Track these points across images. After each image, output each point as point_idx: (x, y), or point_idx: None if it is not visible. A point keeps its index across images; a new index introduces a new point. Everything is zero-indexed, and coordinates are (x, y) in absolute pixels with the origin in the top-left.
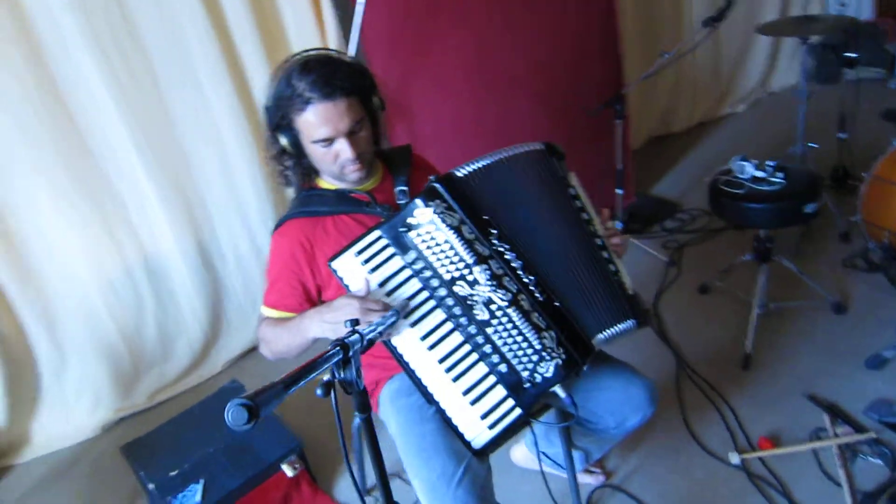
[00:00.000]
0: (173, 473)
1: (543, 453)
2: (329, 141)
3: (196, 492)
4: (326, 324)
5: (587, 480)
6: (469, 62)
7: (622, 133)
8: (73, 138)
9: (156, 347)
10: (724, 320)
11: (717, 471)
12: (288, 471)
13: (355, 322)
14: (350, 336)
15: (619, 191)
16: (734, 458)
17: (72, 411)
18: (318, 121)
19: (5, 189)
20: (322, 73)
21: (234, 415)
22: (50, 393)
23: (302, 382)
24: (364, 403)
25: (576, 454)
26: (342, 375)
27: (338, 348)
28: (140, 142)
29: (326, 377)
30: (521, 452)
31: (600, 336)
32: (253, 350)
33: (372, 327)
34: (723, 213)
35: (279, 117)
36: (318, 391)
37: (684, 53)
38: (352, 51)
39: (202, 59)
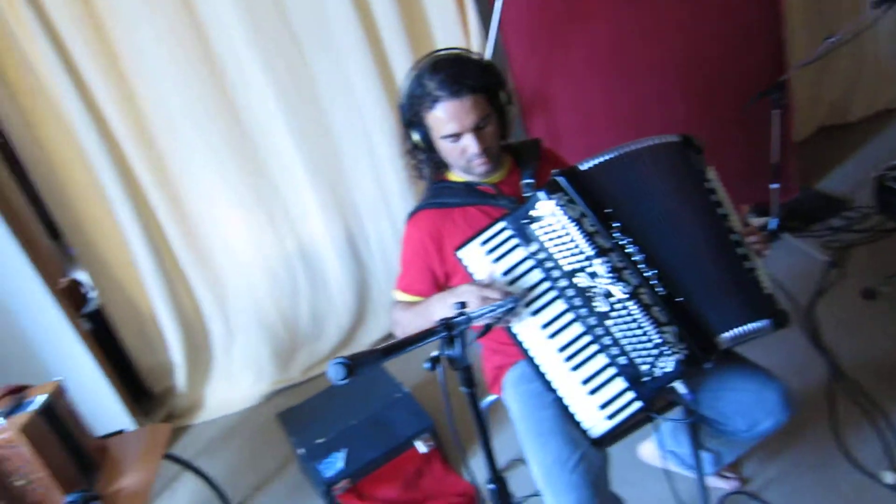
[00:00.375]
0: (320, 441)
1: (672, 452)
2: (456, 136)
3: (339, 459)
4: (449, 308)
5: (719, 485)
6: (607, 52)
7: (781, 123)
8: (241, 138)
9: (309, 327)
10: (888, 329)
11: (866, 489)
12: (421, 447)
13: (463, 304)
14: (456, 317)
15: (774, 185)
16: (889, 478)
17: (237, 382)
18: (445, 117)
19: (186, 184)
20: (450, 72)
21: (334, 370)
22: (220, 365)
23: (400, 352)
24: (469, 379)
25: (706, 456)
26: (448, 352)
27: (443, 326)
28: (299, 141)
29: (435, 352)
30: (649, 449)
31: (726, 335)
32: None
33: (482, 310)
34: (889, 211)
35: (411, 114)
36: (426, 364)
37: (850, 38)
38: (490, 45)
39: (354, 62)
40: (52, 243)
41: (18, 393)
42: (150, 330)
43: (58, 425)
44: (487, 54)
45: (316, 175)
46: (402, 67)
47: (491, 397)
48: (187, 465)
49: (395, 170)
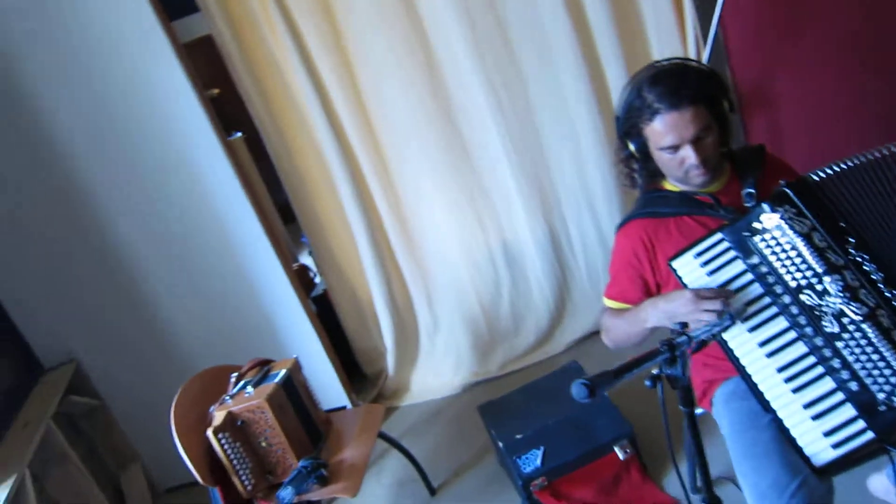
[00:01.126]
0: (519, 436)
1: None
2: (675, 148)
3: (537, 456)
4: (661, 313)
5: None
6: (853, 41)
7: None
8: (455, 141)
9: (508, 323)
10: None
11: None
12: (619, 453)
13: (684, 325)
14: (678, 337)
15: None
16: None
17: (440, 370)
18: (664, 129)
19: (404, 184)
20: (669, 84)
21: (577, 390)
22: (425, 352)
23: (631, 373)
24: (688, 398)
25: None
26: (669, 371)
27: (665, 347)
28: (507, 143)
29: (655, 370)
30: (880, 482)
31: None
32: (594, 334)
33: (703, 329)
34: None
35: (629, 125)
36: (647, 382)
37: None
38: (709, 44)
39: (564, 62)
40: (285, 229)
41: (265, 366)
42: (366, 315)
43: (295, 397)
44: (706, 50)
45: (522, 176)
46: (614, 68)
47: (698, 411)
48: (395, 444)
49: (602, 173)
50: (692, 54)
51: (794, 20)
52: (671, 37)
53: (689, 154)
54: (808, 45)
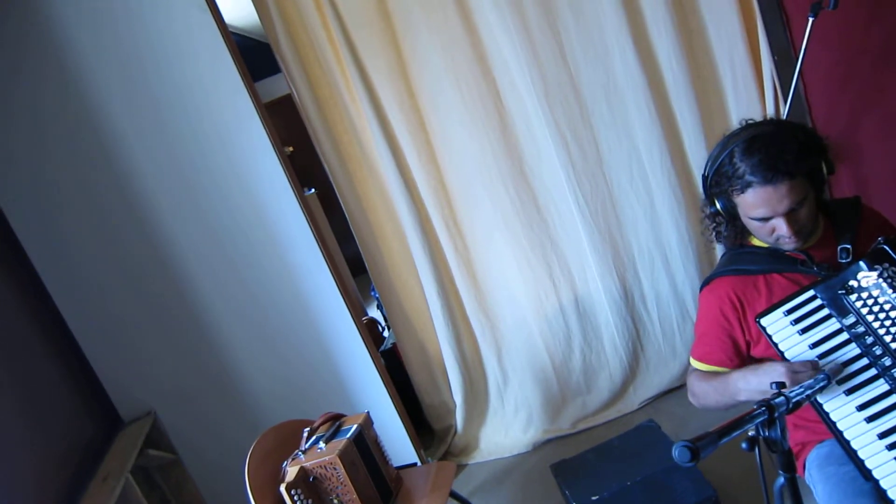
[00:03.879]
0: (595, 498)
1: None
2: (766, 219)
3: None
4: (754, 388)
5: None
6: None
7: None
8: (525, 196)
9: (580, 379)
10: None
11: None
12: None
13: (781, 385)
14: (775, 398)
15: None
16: None
17: (510, 427)
18: (756, 202)
19: (475, 238)
20: (767, 156)
21: (679, 453)
22: (494, 408)
23: (732, 435)
24: (789, 463)
25: None
26: (767, 433)
27: (763, 409)
28: (579, 198)
29: (752, 432)
30: None
31: None
32: (668, 392)
33: (799, 390)
34: None
35: (718, 189)
36: (744, 445)
37: None
38: (790, 98)
39: (638, 119)
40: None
41: (336, 421)
42: (435, 370)
43: (366, 453)
44: (786, 105)
45: (596, 231)
46: (689, 123)
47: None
48: None
49: (677, 229)
50: (770, 108)
51: (877, 72)
52: (749, 91)
53: (780, 225)
54: (892, 96)
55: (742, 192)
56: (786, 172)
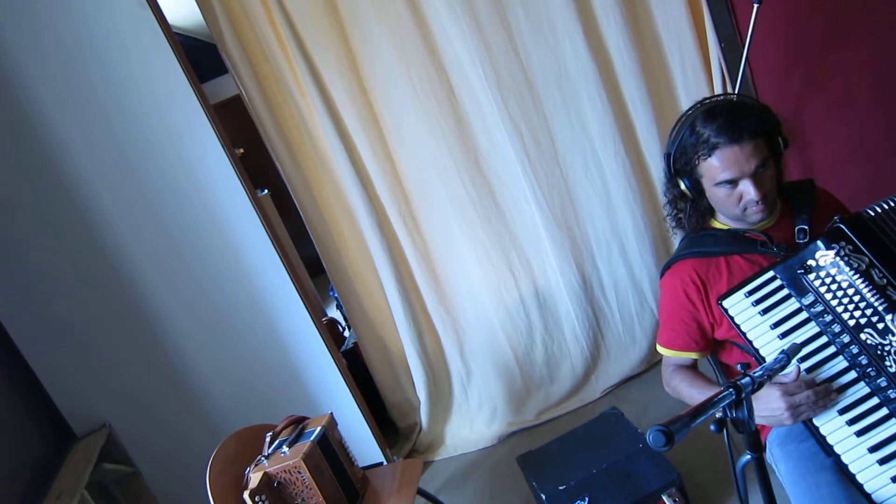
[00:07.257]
0: (562, 487)
1: None
2: (734, 183)
3: None
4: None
5: None
6: (880, 76)
7: None
8: (482, 189)
9: (543, 370)
10: None
11: None
12: (668, 502)
13: (746, 366)
14: (741, 379)
15: None
16: None
17: (474, 421)
18: (723, 164)
19: (434, 235)
20: (728, 118)
21: (654, 438)
22: (458, 403)
23: (703, 417)
24: (756, 443)
25: None
26: (734, 414)
27: (731, 390)
28: (535, 189)
29: (719, 414)
30: None
31: None
32: (630, 379)
33: (761, 371)
34: None
35: (682, 163)
36: (712, 427)
37: None
38: (738, 83)
39: (591, 109)
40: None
41: (299, 423)
42: (397, 368)
43: (331, 455)
44: (735, 90)
45: (553, 221)
46: (640, 111)
47: (747, 457)
48: (435, 501)
49: (632, 216)
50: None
51: (821, 57)
52: (698, 78)
53: (748, 189)
54: (838, 82)
55: (708, 156)
56: (749, 130)
